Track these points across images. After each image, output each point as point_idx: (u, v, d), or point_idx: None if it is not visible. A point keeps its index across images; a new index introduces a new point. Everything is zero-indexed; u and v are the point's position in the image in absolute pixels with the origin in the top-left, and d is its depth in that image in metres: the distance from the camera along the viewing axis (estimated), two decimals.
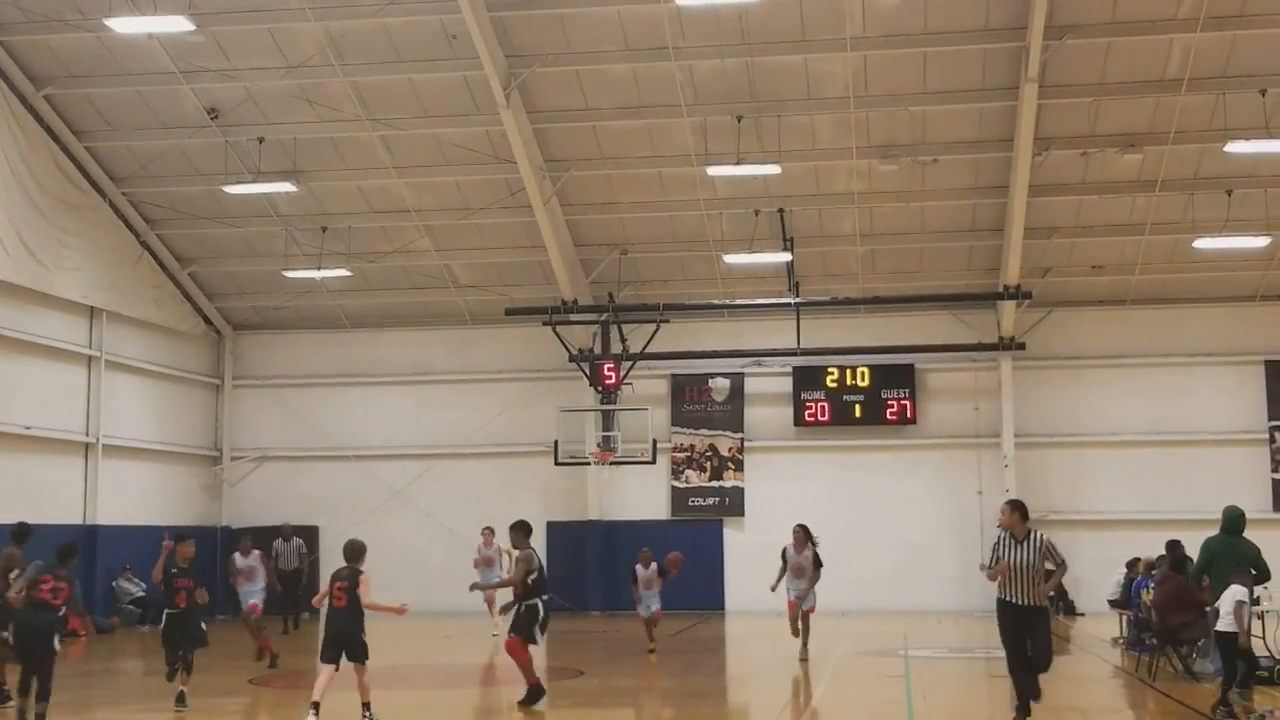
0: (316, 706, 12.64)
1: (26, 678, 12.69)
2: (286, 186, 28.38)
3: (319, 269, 30.32)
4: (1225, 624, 13.71)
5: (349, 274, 31.21)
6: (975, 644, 22.85)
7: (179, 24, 23.43)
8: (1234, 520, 15.66)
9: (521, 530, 15.43)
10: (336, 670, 13.03)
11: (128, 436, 29.61)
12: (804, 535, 20.39)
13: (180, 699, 14.37)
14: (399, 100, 26.87)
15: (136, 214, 29.98)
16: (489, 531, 25.41)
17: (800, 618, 20.04)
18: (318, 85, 26.50)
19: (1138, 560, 22.41)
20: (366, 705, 13.07)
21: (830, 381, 31.39)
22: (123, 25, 23.54)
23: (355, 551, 13.67)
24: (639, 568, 21.44)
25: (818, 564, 20.24)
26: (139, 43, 25.47)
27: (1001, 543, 12.69)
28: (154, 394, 31.10)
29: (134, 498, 29.54)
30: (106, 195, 29.12)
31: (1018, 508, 12.78)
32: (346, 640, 13.13)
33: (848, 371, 31.28)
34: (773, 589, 20.59)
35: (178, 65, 26.00)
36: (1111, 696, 17.39)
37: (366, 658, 13.16)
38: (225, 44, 25.67)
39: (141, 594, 28.40)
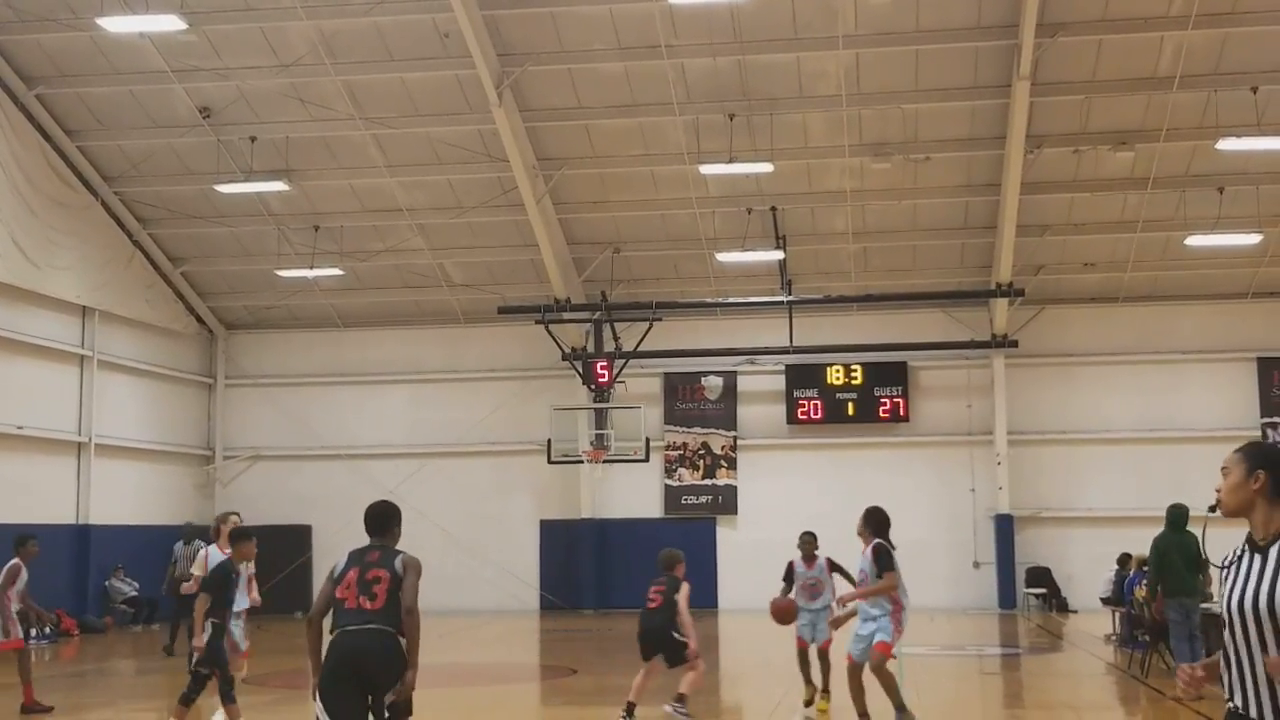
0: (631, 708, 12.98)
1: None
2: (278, 185, 28.35)
3: (311, 268, 30.30)
4: None
5: (341, 273, 31.19)
6: (968, 642, 22.88)
7: (171, 23, 23.38)
8: (1178, 517, 15.98)
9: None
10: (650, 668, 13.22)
11: (120, 436, 29.59)
12: (814, 544, 14.93)
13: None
14: (391, 99, 26.86)
15: (129, 213, 29.95)
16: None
17: (819, 656, 14.59)
18: (309, 84, 26.48)
19: (1129, 556, 22.46)
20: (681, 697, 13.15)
21: (823, 379, 31.42)
22: (114, 24, 23.49)
23: (672, 560, 13.55)
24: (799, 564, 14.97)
25: (834, 569, 14.79)
26: (131, 42, 25.44)
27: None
28: (146, 393, 31.08)
29: (126, 497, 29.51)
30: (98, 194, 29.09)
31: None
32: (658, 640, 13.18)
33: (840, 369, 31.31)
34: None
35: (170, 64, 25.97)
36: (1104, 693, 17.42)
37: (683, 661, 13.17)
38: (217, 43, 25.64)
39: (134, 593, 28.38)
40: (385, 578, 7.81)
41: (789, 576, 14.66)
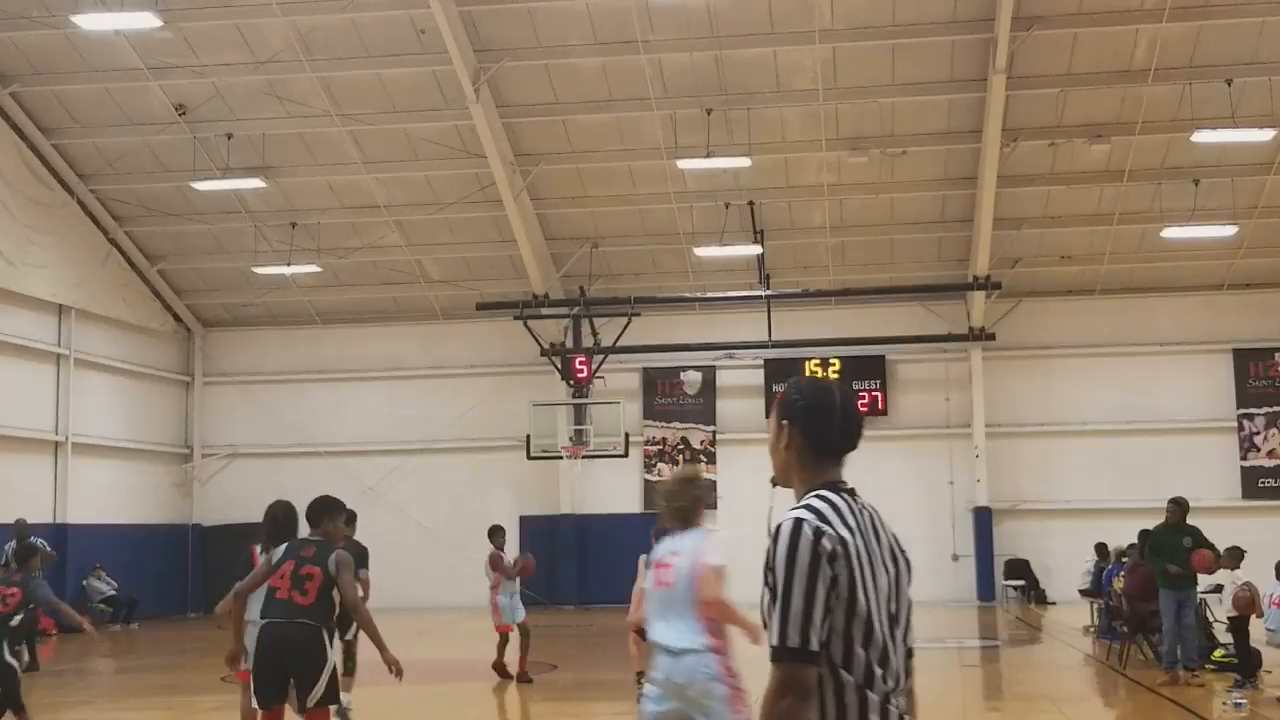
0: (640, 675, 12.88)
1: None
2: (255, 183, 28.25)
3: (289, 265, 30.22)
4: (1228, 611, 14.09)
5: (319, 270, 31.11)
6: (947, 634, 22.96)
7: (146, 20, 23.28)
8: (1177, 510, 15.95)
9: None
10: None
11: (97, 435, 29.46)
12: None
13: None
14: (368, 95, 26.79)
15: (105, 211, 29.82)
16: None
17: None
18: (286, 81, 26.39)
19: (1106, 547, 22.57)
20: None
21: (802, 373, 31.46)
22: (89, 22, 23.38)
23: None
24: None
25: None
26: (106, 39, 25.31)
27: None
28: (124, 392, 30.95)
29: (104, 496, 29.39)
30: (74, 193, 28.95)
31: None
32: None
33: (819, 363, 31.34)
34: None
35: (145, 62, 25.86)
36: (1083, 684, 17.51)
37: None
38: (193, 40, 25.55)
39: (113, 593, 28.27)
40: (318, 575, 8.31)
41: None
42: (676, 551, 7.08)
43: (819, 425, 3.81)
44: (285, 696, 8.27)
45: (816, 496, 3.68)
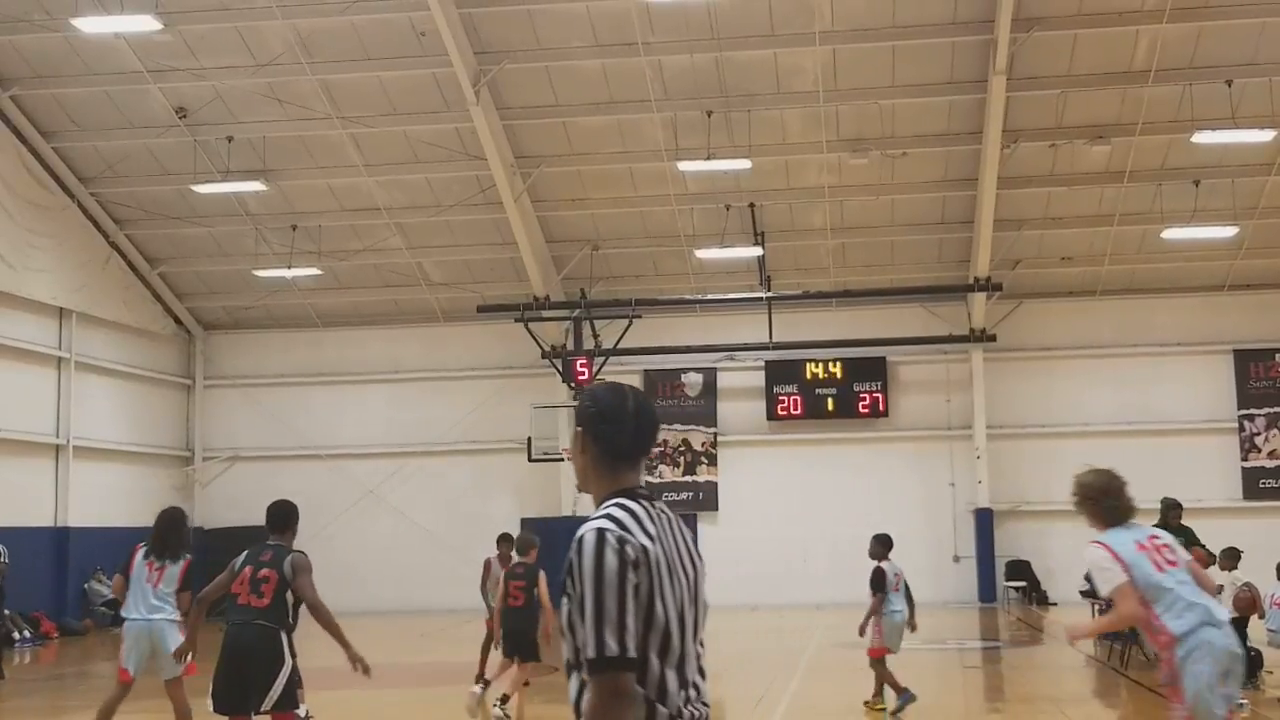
0: (504, 699, 13.12)
1: None
2: (256, 185, 28.27)
3: (289, 268, 30.21)
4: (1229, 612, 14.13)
5: (319, 273, 31.11)
6: (948, 636, 22.94)
7: (146, 23, 23.30)
8: (1168, 510, 16.04)
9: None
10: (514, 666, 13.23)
11: (98, 438, 29.46)
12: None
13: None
14: (368, 98, 26.80)
15: (105, 214, 29.82)
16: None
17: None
18: (286, 84, 26.40)
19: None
20: (505, 698, 13.19)
21: (803, 375, 31.45)
22: (89, 25, 23.41)
23: (527, 544, 13.52)
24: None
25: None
26: (106, 42, 25.32)
27: None
28: (124, 395, 30.95)
29: (105, 499, 29.37)
30: (75, 196, 28.96)
31: None
32: (520, 639, 13.19)
33: (820, 365, 31.35)
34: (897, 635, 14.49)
35: (145, 65, 25.87)
36: (1084, 685, 17.50)
37: (537, 659, 13.22)
38: (193, 43, 25.55)
39: (114, 596, 28.25)
40: (274, 579, 8.55)
41: (881, 583, 14.28)
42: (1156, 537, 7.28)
43: (612, 431, 3.79)
44: (245, 706, 8.42)
45: (615, 505, 3.69)
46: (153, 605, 10.59)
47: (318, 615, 8.65)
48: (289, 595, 8.53)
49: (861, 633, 13.90)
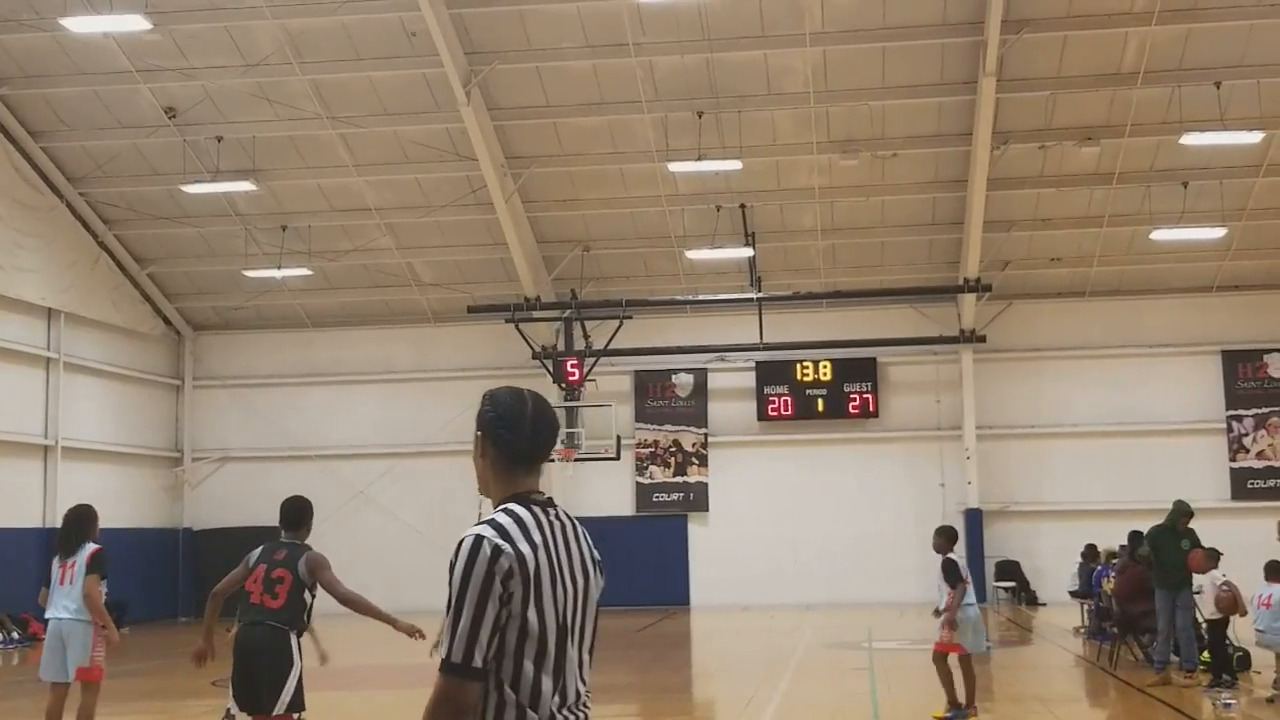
0: None
1: None
2: (246, 186, 28.23)
3: (279, 268, 30.17)
4: (1210, 612, 14.21)
5: (310, 273, 31.08)
6: (938, 635, 22.92)
7: (135, 23, 23.22)
8: (1177, 514, 15.95)
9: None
10: None
11: (87, 439, 29.38)
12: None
13: None
14: (359, 98, 26.78)
15: (94, 214, 29.77)
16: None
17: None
18: (276, 84, 26.37)
19: (1094, 548, 22.60)
20: None
21: (793, 376, 31.49)
22: (78, 25, 23.34)
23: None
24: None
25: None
26: (95, 42, 25.28)
27: None
28: (113, 396, 30.89)
29: (94, 500, 28.61)
30: (63, 196, 28.90)
31: None
32: None
33: (810, 366, 31.38)
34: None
35: (135, 65, 25.83)
36: (1073, 685, 17.53)
37: None
38: (183, 43, 25.52)
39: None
40: (288, 579, 8.38)
41: (955, 573, 13.21)
42: None
43: (509, 435, 3.81)
44: (259, 706, 8.25)
45: (503, 510, 3.69)
46: (63, 605, 10.47)
47: (353, 605, 8.57)
48: (305, 596, 8.40)
49: (950, 626, 13.07)
